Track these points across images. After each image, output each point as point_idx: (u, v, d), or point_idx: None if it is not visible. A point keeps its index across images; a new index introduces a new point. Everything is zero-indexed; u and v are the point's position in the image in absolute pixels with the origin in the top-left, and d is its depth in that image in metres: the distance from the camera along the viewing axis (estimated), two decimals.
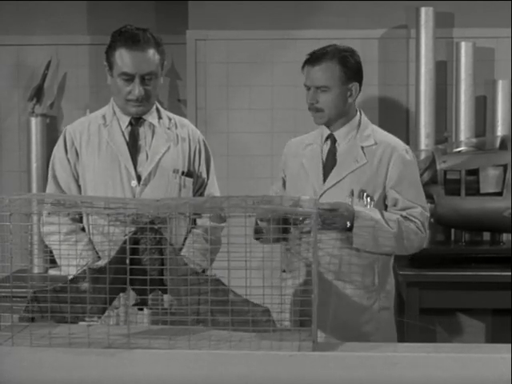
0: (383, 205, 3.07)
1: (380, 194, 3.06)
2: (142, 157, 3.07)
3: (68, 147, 3.10)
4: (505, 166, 4.21)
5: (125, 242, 2.40)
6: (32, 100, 4.87)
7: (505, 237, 4.38)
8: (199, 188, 3.16)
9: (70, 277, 2.47)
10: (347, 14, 4.65)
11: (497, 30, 4.61)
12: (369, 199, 3.03)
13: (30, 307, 2.44)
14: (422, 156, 4.45)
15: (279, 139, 4.36)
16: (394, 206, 3.06)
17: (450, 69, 4.67)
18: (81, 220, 3.08)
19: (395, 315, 3.20)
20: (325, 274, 3.00)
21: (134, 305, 2.50)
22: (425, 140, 4.55)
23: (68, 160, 3.09)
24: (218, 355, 2.30)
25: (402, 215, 3.02)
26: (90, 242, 3.03)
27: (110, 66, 3.04)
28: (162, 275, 2.43)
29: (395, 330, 3.18)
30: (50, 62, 4.88)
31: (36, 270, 4.62)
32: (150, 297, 2.46)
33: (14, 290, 2.38)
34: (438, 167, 4.24)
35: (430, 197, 4.05)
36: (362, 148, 3.08)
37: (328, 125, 3.11)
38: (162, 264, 2.43)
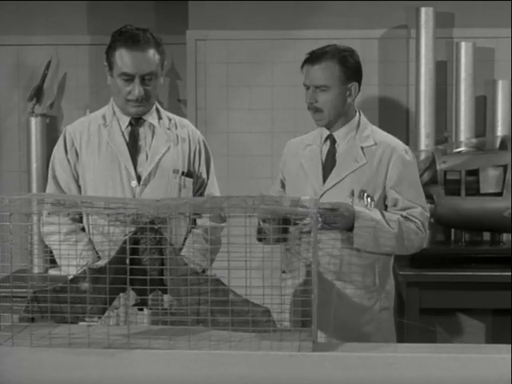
0: (383, 205, 3.07)
1: (380, 195, 3.06)
2: (141, 157, 3.07)
3: (68, 147, 3.10)
4: (505, 167, 4.21)
5: (125, 242, 2.39)
6: (32, 100, 4.87)
7: (505, 237, 4.38)
8: (199, 188, 3.16)
9: (70, 277, 2.47)
10: (347, 14, 4.65)
11: (497, 30, 4.61)
12: (369, 199, 3.03)
13: (30, 307, 2.43)
14: (422, 156, 4.45)
15: (279, 139, 4.36)
16: (394, 206, 3.06)
17: (449, 69, 4.66)
18: (81, 220, 3.08)
19: (395, 315, 3.20)
20: (325, 274, 3.00)
21: (134, 305, 2.49)
22: (425, 140, 4.55)
23: (68, 160, 3.09)
24: (218, 355, 2.30)
25: (402, 215, 3.02)
26: (90, 242, 3.03)
27: (110, 66, 3.04)
28: (162, 275, 2.43)
29: (395, 331, 3.18)
30: (49, 62, 4.88)
31: (36, 270, 4.61)
32: (149, 297, 2.46)
33: (13, 290, 2.38)
34: (438, 167, 4.24)
35: (430, 197, 4.05)
36: (362, 148, 3.08)
37: (328, 126, 3.12)
38: (162, 264, 2.43)
